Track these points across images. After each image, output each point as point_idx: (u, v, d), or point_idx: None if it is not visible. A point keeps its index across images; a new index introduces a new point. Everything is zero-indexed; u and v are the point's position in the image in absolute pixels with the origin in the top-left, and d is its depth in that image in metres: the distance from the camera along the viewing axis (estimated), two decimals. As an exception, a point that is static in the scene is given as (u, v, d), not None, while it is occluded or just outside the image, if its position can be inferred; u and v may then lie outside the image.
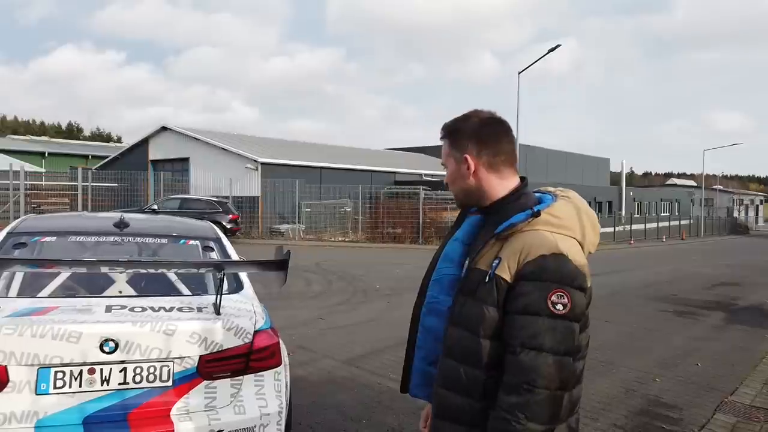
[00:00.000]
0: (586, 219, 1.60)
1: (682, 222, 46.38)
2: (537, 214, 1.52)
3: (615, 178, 54.74)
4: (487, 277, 1.51)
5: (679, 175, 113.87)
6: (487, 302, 1.50)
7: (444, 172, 1.74)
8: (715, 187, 65.12)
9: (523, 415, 1.40)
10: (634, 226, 37.39)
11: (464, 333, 1.53)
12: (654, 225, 40.34)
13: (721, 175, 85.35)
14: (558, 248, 1.47)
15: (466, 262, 1.65)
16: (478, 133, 1.63)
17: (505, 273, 1.48)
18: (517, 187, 1.63)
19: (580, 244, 1.56)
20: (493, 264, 1.51)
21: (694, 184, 69.20)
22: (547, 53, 22.69)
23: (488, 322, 1.50)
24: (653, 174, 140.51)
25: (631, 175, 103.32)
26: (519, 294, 1.46)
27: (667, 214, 48.03)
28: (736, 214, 63.91)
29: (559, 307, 1.44)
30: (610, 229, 34.47)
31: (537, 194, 1.65)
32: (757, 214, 73.59)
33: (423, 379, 1.75)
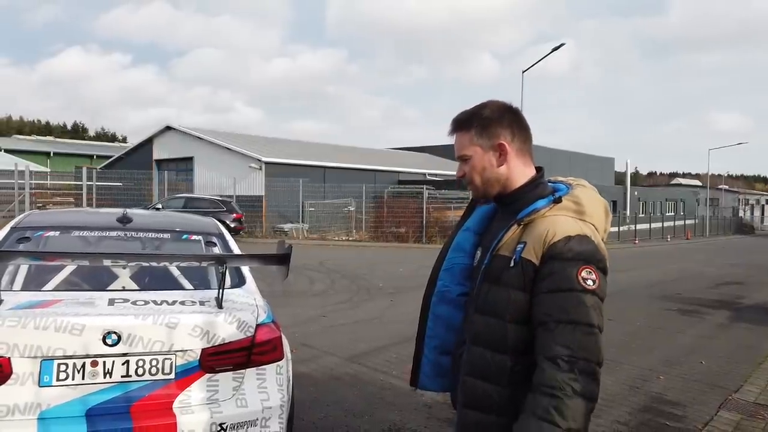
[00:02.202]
0: (601, 207, 1.62)
1: (687, 222, 46.23)
2: (558, 200, 1.55)
3: (620, 178, 54.55)
4: (512, 262, 1.52)
5: (684, 175, 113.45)
6: (513, 286, 1.50)
7: (451, 171, 1.73)
8: (720, 186, 64.84)
9: (569, 387, 1.38)
10: (639, 226, 37.27)
11: (491, 320, 1.54)
12: (659, 225, 40.23)
13: (726, 175, 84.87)
14: (582, 231, 1.50)
15: (481, 250, 1.67)
16: (511, 120, 1.63)
17: (531, 256, 1.49)
18: (534, 176, 1.65)
19: (597, 230, 1.58)
20: (518, 248, 1.52)
21: (699, 183, 68.98)
22: (552, 52, 22.65)
23: (514, 306, 1.50)
24: (658, 174, 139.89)
25: (635, 175, 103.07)
26: (548, 273, 1.47)
27: (672, 213, 47.84)
28: (741, 214, 63.63)
29: (590, 282, 1.45)
30: (615, 229, 34.37)
31: (551, 184, 1.67)
32: (762, 213, 73.20)
33: (434, 370, 1.75)
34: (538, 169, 1.67)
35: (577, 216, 1.54)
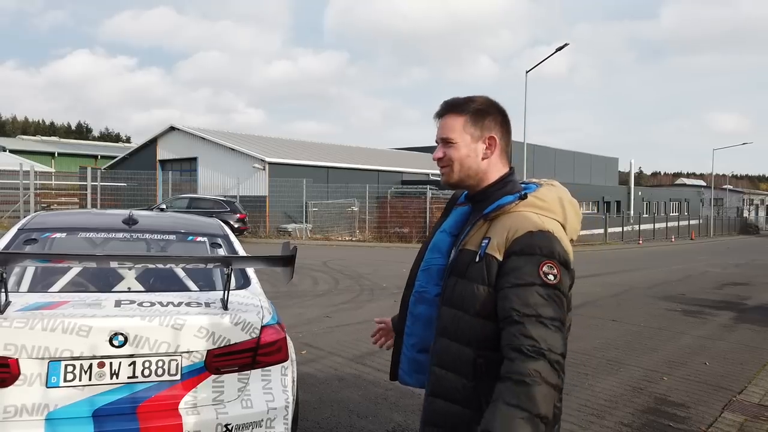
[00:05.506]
0: (569, 206, 1.65)
1: (692, 222, 46.11)
2: (524, 196, 1.58)
3: (623, 178, 54.45)
4: (477, 257, 1.56)
5: (689, 175, 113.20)
6: (478, 281, 1.54)
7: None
8: (724, 186, 64.64)
9: (537, 374, 1.40)
10: (643, 226, 37.18)
11: (457, 312, 1.58)
12: (663, 225, 40.12)
13: (731, 175, 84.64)
14: (544, 226, 1.54)
15: (455, 250, 1.70)
16: (502, 120, 1.69)
17: (495, 251, 1.53)
18: (504, 175, 1.69)
19: (564, 228, 1.61)
20: (483, 243, 1.56)
21: (704, 183, 68.75)
22: (555, 52, 22.60)
23: (479, 300, 1.54)
24: (662, 174, 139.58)
25: (639, 175, 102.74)
26: (511, 269, 1.50)
27: (677, 213, 47.75)
28: (746, 214, 63.41)
29: (551, 277, 1.49)
30: (619, 229, 34.30)
31: (522, 184, 1.71)
32: (767, 214, 72.93)
33: (411, 366, 1.79)
34: (511, 169, 1.72)
35: (541, 212, 1.58)
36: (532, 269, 1.48)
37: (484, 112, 1.66)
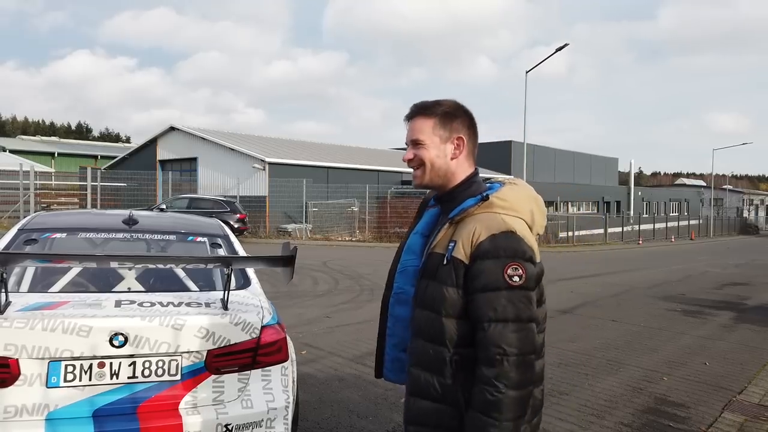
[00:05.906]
0: (533, 202, 1.70)
1: (692, 222, 46.11)
2: (486, 198, 1.63)
3: (623, 178, 54.48)
4: (445, 260, 1.61)
5: (689, 175, 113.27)
6: (447, 283, 1.59)
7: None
8: (724, 186, 64.66)
9: (502, 384, 1.50)
10: (643, 226, 37.18)
11: (429, 314, 1.62)
12: (663, 225, 40.12)
13: (731, 175, 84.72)
14: (507, 226, 1.58)
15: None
16: (470, 122, 1.75)
17: (461, 254, 1.58)
18: (468, 176, 1.75)
19: (528, 225, 1.66)
20: (449, 246, 1.61)
21: (704, 183, 68.77)
22: (555, 52, 22.60)
23: (449, 301, 1.59)
24: (662, 174, 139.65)
25: (639, 175, 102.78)
26: (477, 273, 1.55)
27: (676, 213, 47.76)
28: (746, 214, 63.42)
29: (516, 278, 1.54)
30: (619, 229, 34.30)
31: (488, 183, 1.76)
32: (767, 214, 72.91)
33: (394, 365, 1.85)
34: (475, 170, 1.78)
35: (503, 211, 1.62)
36: (497, 273, 1.54)
37: (452, 115, 1.72)
